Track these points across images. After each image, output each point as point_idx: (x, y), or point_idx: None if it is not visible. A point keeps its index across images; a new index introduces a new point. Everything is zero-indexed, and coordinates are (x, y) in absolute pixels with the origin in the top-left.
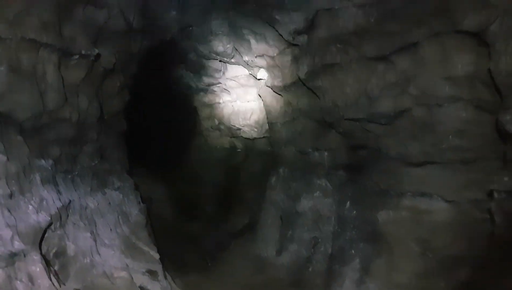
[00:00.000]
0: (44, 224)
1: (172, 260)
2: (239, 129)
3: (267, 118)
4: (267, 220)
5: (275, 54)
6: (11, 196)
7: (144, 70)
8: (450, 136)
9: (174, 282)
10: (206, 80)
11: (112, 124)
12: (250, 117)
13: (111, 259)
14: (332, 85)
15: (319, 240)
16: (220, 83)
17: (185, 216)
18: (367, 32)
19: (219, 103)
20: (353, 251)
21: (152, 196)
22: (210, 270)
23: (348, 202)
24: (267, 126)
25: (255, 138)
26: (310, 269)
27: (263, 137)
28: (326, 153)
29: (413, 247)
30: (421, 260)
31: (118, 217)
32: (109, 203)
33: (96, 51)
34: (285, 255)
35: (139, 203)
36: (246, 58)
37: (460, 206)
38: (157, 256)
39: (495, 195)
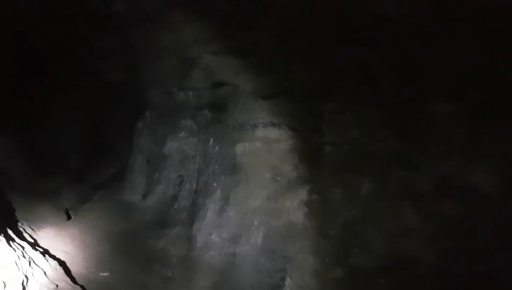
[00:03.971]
0: None
1: (21, 216)
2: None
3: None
4: (134, 167)
5: None
6: None
7: None
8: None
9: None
10: None
11: None
12: None
13: None
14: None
15: (185, 178)
16: None
17: (41, 171)
18: None
19: None
20: (215, 184)
21: None
22: (72, 224)
23: (212, 139)
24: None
25: (120, 83)
26: (175, 206)
27: (129, 80)
28: (190, 93)
29: (265, 174)
30: (272, 185)
31: None
32: None
33: None
34: (151, 197)
35: None
36: None
37: (303, 133)
38: None
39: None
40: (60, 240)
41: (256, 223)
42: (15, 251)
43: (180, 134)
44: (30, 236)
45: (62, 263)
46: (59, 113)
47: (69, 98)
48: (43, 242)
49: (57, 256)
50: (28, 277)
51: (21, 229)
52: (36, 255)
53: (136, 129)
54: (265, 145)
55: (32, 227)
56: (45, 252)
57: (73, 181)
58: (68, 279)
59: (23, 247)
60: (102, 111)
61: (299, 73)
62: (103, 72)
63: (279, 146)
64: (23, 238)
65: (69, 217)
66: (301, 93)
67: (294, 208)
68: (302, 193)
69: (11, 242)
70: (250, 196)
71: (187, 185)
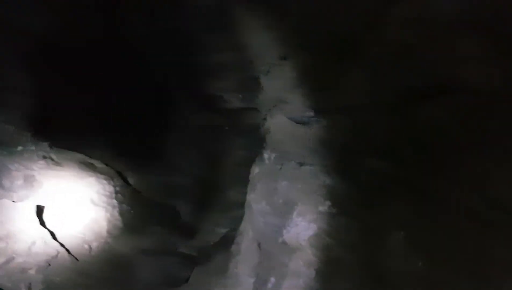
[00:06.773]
0: None
1: None
2: (220, 96)
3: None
4: (242, 242)
5: None
6: None
7: None
8: None
9: None
10: None
11: None
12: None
13: None
14: None
15: None
16: None
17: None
18: None
19: None
20: None
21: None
22: None
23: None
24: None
25: (241, 109)
26: None
27: (252, 108)
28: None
29: None
30: None
31: None
32: None
33: None
34: None
35: None
36: None
37: None
38: None
39: None
40: None
41: None
42: None
43: (319, 208)
44: None
45: None
46: (170, 149)
47: (182, 132)
48: None
49: None
50: None
51: None
52: None
53: (252, 178)
54: None
55: None
56: None
57: (172, 241)
58: None
59: None
60: (215, 149)
61: None
62: (220, 97)
63: None
64: None
65: None
66: None
67: None
68: None
69: None
70: None
71: None
